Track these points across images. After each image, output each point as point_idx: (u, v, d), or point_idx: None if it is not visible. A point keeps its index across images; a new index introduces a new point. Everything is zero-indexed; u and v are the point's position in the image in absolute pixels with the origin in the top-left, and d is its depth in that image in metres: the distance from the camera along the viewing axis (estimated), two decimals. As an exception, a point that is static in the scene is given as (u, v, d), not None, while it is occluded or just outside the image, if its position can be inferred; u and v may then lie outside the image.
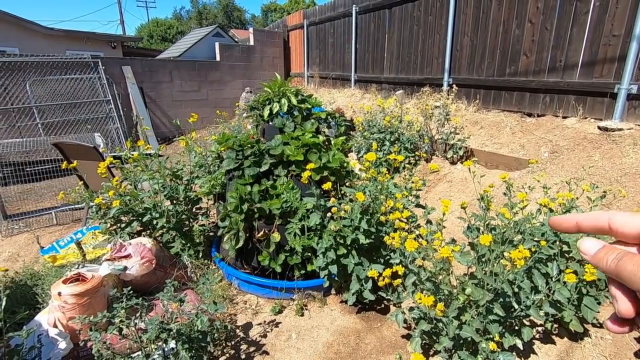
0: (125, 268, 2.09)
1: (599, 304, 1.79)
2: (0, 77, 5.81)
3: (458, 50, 4.62)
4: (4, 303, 1.48)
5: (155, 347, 1.63)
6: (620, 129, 3.00)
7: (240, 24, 33.06)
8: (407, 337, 2.05)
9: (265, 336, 2.09)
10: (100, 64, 6.67)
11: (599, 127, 3.15)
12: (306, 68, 8.60)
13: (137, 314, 1.65)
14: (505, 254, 1.49)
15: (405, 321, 1.88)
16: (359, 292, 2.13)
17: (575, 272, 1.61)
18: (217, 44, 8.45)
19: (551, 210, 1.93)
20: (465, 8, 4.44)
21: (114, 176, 2.66)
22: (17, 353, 1.46)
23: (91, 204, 2.54)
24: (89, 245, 2.66)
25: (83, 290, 1.76)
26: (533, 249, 1.75)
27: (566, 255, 1.92)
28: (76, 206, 3.99)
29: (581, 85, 3.37)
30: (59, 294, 1.74)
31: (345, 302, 2.23)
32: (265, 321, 2.21)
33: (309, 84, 8.50)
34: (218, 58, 8.38)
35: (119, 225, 2.55)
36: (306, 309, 2.30)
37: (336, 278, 2.18)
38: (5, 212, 3.86)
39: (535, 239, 1.81)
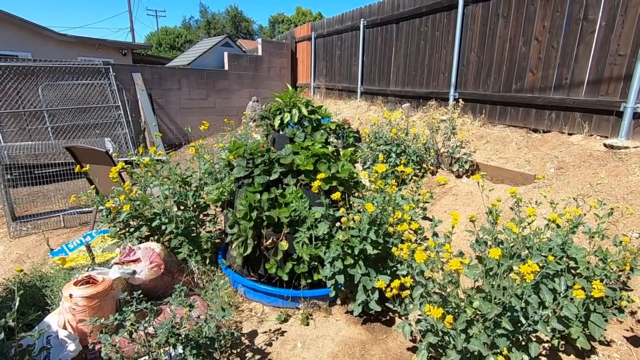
0: (134, 272, 2.11)
1: (606, 321, 1.79)
2: (14, 81, 5.93)
3: (464, 66, 4.69)
4: (17, 303, 1.51)
5: (163, 351, 1.64)
6: (627, 147, 3.02)
7: (248, 34, 33.58)
8: (413, 349, 2.04)
9: (270, 345, 2.09)
10: (111, 70, 6.79)
11: (605, 145, 3.17)
12: (313, 79, 8.71)
13: (146, 318, 1.66)
14: (514, 267, 1.50)
15: (411, 333, 1.88)
16: (365, 303, 2.13)
17: (583, 288, 1.62)
18: (226, 54, 8.59)
19: (558, 226, 1.94)
20: (472, 25, 4.52)
21: (124, 181, 2.69)
22: (29, 353, 1.47)
23: (101, 207, 2.57)
24: (98, 248, 2.68)
25: (94, 292, 1.78)
26: (540, 264, 1.76)
27: (573, 271, 1.93)
28: (84, 209, 4.03)
29: (587, 102, 3.41)
30: (70, 295, 1.76)
31: (351, 312, 2.23)
32: (270, 329, 2.22)
33: (315, 94, 8.60)
34: (226, 67, 8.51)
35: (127, 229, 2.58)
36: (311, 319, 2.30)
37: (342, 288, 2.19)
38: (14, 214, 3.90)
39: (543, 254, 1.82)
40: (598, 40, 3.31)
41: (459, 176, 3.96)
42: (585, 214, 1.98)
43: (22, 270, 1.61)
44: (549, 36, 3.70)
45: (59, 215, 3.97)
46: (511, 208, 1.98)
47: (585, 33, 3.40)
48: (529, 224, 1.85)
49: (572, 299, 1.71)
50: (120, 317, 1.58)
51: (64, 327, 1.75)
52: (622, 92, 3.15)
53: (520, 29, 3.97)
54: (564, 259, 1.86)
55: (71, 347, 1.67)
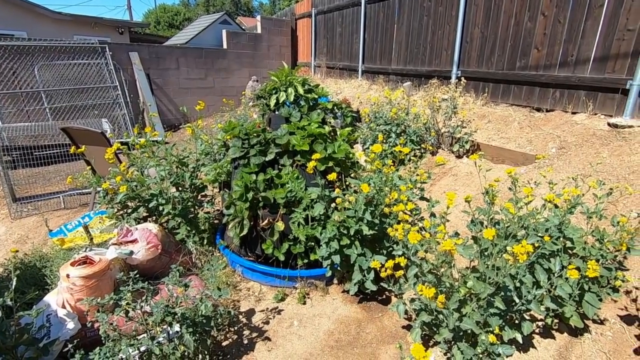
0: (132, 252, 2.13)
1: (600, 300, 1.80)
2: (10, 61, 5.84)
3: (468, 42, 4.56)
4: (14, 283, 1.53)
5: (160, 329, 1.67)
6: (631, 126, 2.96)
7: (248, 11, 32.77)
8: (408, 327, 2.07)
9: (267, 323, 2.13)
10: (107, 49, 6.66)
11: (609, 124, 3.11)
12: (313, 57, 8.53)
13: (143, 298, 1.69)
14: (508, 248, 1.49)
15: (406, 312, 1.90)
16: (360, 283, 2.15)
17: (577, 268, 1.61)
18: (224, 32, 8.39)
19: (556, 207, 1.92)
20: (477, -1, 4.35)
21: (121, 162, 2.68)
22: (27, 331, 1.50)
23: (98, 189, 2.57)
24: (96, 229, 2.70)
25: (91, 272, 1.80)
26: (536, 244, 1.75)
27: (569, 251, 1.92)
28: (83, 191, 4.04)
29: (592, 80, 3.31)
30: (68, 275, 1.78)
31: (347, 291, 2.26)
32: (267, 308, 2.25)
33: (316, 73, 8.44)
34: (225, 46, 8.33)
35: (125, 210, 2.58)
36: (308, 298, 2.33)
37: (339, 268, 2.21)
38: (14, 195, 3.92)
39: (539, 234, 1.81)
40: (607, 15, 3.18)
41: (459, 156, 3.92)
42: (584, 194, 1.95)
43: (17, 251, 1.62)
44: (556, 10, 3.56)
45: (59, 197, 3.99)
46: (509, 188, 1.96)
47: (594, 7, 3.26)
48: (526, 204, 1.83)
49: (566, 278, 1.71)
50: (116, 297, 1.60)
51: (63, 306, 1.78)
52: (629, 69, 3.05)
53: (526, 3, 3.82)
54: (561, 239, 1.85)
55: (70, 325, 1.70)
